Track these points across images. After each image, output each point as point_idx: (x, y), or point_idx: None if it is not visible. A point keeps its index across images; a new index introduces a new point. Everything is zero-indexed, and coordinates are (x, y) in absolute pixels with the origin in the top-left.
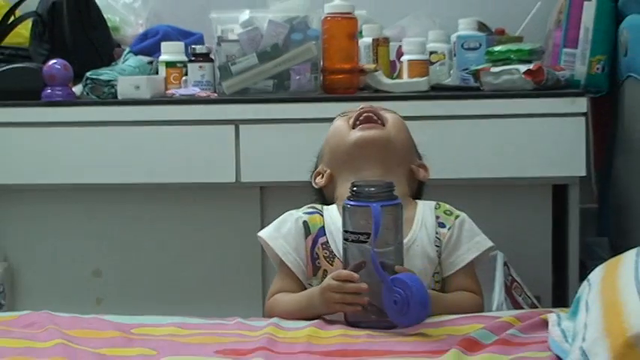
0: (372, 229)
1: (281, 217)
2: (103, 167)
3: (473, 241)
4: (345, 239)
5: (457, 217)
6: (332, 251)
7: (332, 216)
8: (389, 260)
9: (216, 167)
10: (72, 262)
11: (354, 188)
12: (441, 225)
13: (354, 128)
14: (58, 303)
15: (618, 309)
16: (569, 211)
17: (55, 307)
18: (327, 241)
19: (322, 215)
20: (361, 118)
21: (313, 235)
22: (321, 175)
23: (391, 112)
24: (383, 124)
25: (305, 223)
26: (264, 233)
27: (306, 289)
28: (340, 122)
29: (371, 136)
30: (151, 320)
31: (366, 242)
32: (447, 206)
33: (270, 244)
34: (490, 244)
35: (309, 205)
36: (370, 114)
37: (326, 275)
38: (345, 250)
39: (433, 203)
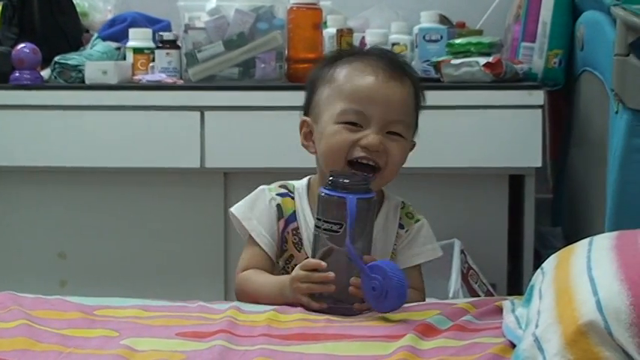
0: (346, 220)
1: (253, 194)
2: (70, 151)
3: (426, 247)
4: (317, 227)
5: (417, 221)
6: (301, 239)
7: (302, 203)
8: (359, 251)
9: (182, 152)
10: (37, 244)
11: (331, 178)
12: (401, 226)
13: (348, 164)
14: (22, 284)
15: (570, 297)
16: (525, 201)
17: (20, 289)
18: (298, 227)
19: (294, 199)
20: (361, 160)
21: (285, 217)
22: (310, 133)
23: (400, 134)
24: (380, 168)
25: (278, 206)
26: (237, 211)
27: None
28: (344, 137)
29: None
30: (113, 302)
31: (337, 232)
32: (410, 208)
33: (244, 224)
34: (440, 253)
35: (280, 184)
36: (370, 161)
37: (291, 259)
38: (315, 237)
39: (399, 202)
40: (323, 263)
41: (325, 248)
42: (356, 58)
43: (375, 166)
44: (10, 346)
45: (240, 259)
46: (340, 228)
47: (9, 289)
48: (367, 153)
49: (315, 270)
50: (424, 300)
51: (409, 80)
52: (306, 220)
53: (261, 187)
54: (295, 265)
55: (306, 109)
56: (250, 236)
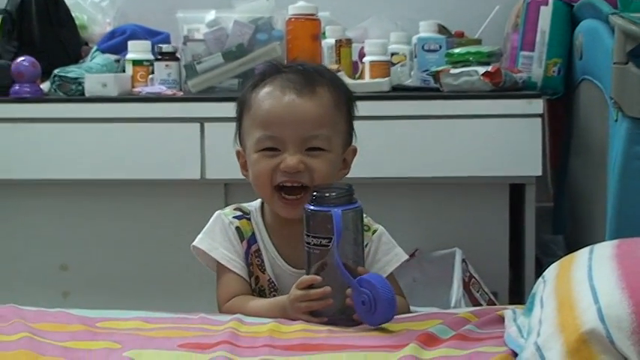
0: (334, 234)
1: (211, 223)
2: (70, 163)
3: (392, 254)
4: (307, 243)
5: (374, 231)
6: (263, 260)
7: (259, 226)
8: (351, 262)
9: (182, 164)
10: (39, 256)
11: (315, 193)
12: None
13: (276, 189)
14: (24, 297)
15: (572, 305)
16: (526, 210)
17: (22, 301)
18: (259, 249)
19: (250, 220)
20: (285, 184)
21: (247, 238)
22: (244, 161)
23: (321, 147)
24: (307, 187)
25: (237, 228)
26: (201, 244)
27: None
28: (264, 165)
29: (294, 214)
30: (115, 314)
31: (327, 246)
32: (365, 220)
33: (212, 255)
34: (406, 256)
35: (234, 206)
36: (295, 183)
37: (258, 280)
38: (307, 253)
39: None
40: (318, 278)
41: (318, 263)
42: (271, 80)
43: (303, 186)
44: (12, 359)
45: (217, 292)
46: (329, 242)
47: (11, 302)
48: (289, 176)
49: (311, 286)
50: (408, 303)
51: (326, 89)
52: (264, 243)
53: (217, 212)
54: (262, 287)
55: (239, 138)
56: (221, 265)
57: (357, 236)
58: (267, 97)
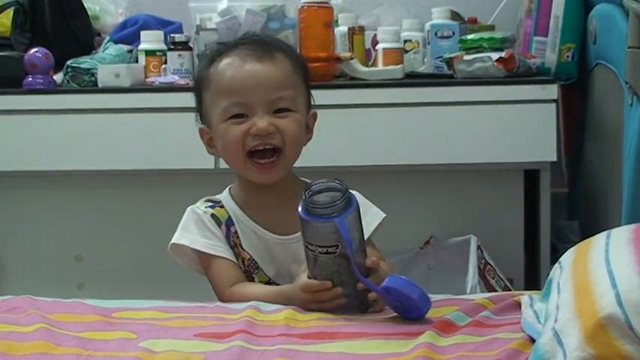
0: (343, 243)
1: (185, 219)
2: (84, 154)
3: (370, 213)
4: (312, 250)
5: None
6: (241, 239)
7: (230, 206)
8: (359, 258)
9: (196, 154)
10: (54, 247)
11: (310, 204)
12: None
13: (248, 155)
14: (40, 288)
15: (589, 290)
16: (541, 196)
17: (37, 293)
18: (237, 231)
19: (223, 207)
20: (257, 148)
21: (224, 222)
22: (211, 139)
23: (288, 108)
24: (280, 148)
25: (213, 215)
26: (181, 240)
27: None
28: (234, 132)
29: (269, 179)
30: (131, 304)
31: (335, 253)
32: None
33: (194, 247)
34: (384, 214)
35: (204, 199)
36: (267, 146)
37: (245, 262)
38: (314, 260)
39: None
40: (328, 283)
41: (328, 269)
42: (227, 54)
43: (275, 148)
44: (29, 349)
45: (212, 284)
46: (336, 248)
47: (27, 293)
48: (260, 139)
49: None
50: (392, 264)
51: (283, 55)
52: (241, 221)
53: (188, 208)
54: (248, 268)
55: (200, 116)
56: (206, 256)
57: (360, 231)
58: (227, 67)
